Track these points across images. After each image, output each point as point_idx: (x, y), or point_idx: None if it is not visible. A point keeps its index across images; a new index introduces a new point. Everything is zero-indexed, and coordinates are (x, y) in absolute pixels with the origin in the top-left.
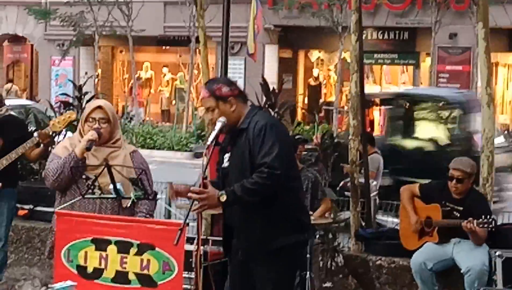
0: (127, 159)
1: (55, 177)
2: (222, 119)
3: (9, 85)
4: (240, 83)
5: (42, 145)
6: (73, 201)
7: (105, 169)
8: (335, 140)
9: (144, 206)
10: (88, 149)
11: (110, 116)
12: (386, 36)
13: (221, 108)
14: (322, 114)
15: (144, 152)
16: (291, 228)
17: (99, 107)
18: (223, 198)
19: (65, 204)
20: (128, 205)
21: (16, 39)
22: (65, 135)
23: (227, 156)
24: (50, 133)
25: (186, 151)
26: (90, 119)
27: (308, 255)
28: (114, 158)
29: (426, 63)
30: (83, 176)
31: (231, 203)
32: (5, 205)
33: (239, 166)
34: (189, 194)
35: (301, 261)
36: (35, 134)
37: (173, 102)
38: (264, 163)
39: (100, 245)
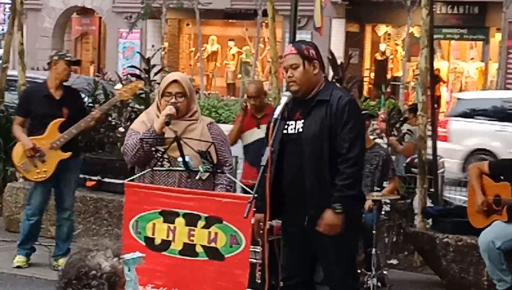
0: (205, 131)
1: (134, 152)
2: (288, 93)
3: None
4: None
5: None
6: (143, 173)
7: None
8: (403, 116)
9: (224, 178)
10: (167, 124)
11: (186, 89)
12: (455, 11)
13: (306, 68)
14: (388, 89)
15: None
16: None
17: (175, 81)
18: (341, 209)
19: (138, 175)
20: (204, 177)
21: (84, 12)
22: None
23: (299, 123)
24: (117, 101)
25: None
26: (167, 94)
27: (374, 231)
28: (191, 131)
29: (496, 38)
30: (153, 149)
31: (346, 207)
32: (72, 175)
33: (317, 135)
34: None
35: (359, 230)
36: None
37: (239, 75)
38: (349, 139)
39: (168, 217)
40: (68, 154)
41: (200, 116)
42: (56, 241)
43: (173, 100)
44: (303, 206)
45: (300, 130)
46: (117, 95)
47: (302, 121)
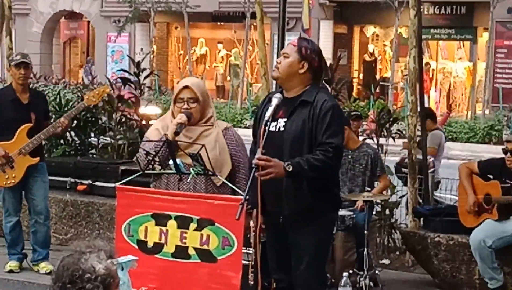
0: (220, 136)
1: (147, 161)
2: (278, 95)
3: None
4: None
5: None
6: (133, 176)
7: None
8: (393, 116)
9: (241, 183)
10: (176, 133)
11: (198, 95)
12: (443, 11)
13: (294, 62)
14: (377, 90)
15: None
16: (330, 203)
17: (186, 87)
18: (290, 168)
19: (126, 179)
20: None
21: (72, 16)
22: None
23: (281, 121)
24: (85, 107)
25: (240, 127)
26: (179, 100)
27: (365, 232)
28: (206, 136)
29: (483, 38)
30: (144, 152)
31: (294, 174)
32: (42, 178)
33: (297, 135)
34: (255, 161)
35: (332, 237)
36: (62, 118)
37: (228, 78)
38: (330, 143)
39: (160, 220)
40: (37, 159)
41: (216, 121)
42: (34, 247)
43: (185, 106)
44: (279, 206)
45: (282, 128)
46: (84, 100)
47: (285, 120)
